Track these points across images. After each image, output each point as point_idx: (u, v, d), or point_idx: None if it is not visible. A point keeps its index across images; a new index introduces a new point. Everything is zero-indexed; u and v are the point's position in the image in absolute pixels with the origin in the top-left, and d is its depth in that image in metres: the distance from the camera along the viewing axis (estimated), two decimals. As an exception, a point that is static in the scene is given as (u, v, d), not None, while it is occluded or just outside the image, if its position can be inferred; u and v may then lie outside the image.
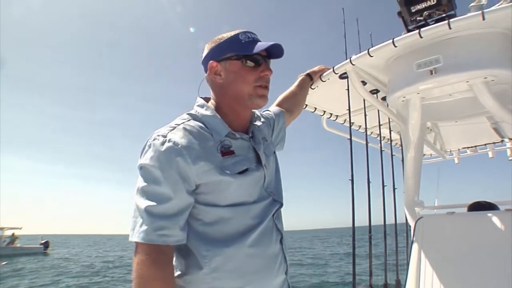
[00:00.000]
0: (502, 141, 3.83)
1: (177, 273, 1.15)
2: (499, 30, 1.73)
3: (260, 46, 1.23)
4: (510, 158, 4.11)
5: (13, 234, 35.58)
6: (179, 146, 1.10)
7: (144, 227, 1.04)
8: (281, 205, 1.33)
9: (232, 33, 1.27)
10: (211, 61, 1.27)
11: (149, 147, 1.13)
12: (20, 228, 37.41)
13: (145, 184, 1.09)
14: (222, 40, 1.27)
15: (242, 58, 1.24)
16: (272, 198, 1.30)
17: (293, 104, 1.92)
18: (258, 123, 1.44)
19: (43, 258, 31.44)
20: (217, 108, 1.29)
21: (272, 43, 1.24)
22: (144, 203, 1.07)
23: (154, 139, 1.13)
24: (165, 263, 1.06)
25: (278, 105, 1.86)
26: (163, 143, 1.10)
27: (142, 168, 1.12)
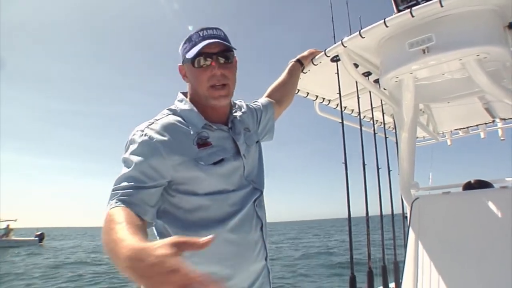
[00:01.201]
0: (493, 121, 3.85)
1: None
2: (490, 7, 1.72)
3: (195, 49, 1.24)
4: (501, 138, 4.14)
5: (8, 226, 35.76)
6: (154, 140, 1.16)
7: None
8: (261, 192, 1.38)
9: (190, 33, 1.31)
10: (179, 64, 1.37)
11: (129, 142, 1.20)
12: (15, 220, 37.77)
13: (126, 163, 1.16)
14: (182, 43, 1.34)
15: (191, 60, 1.26)
16: (253, 186, 1.34)
17: (283, 94, 1.92)
18: (238, 113, 1.47)
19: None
20: (194, 103, 1.34)
21: (206, 42, 1.23)
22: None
23: (133, 134, 1.21)
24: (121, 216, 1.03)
25: (268, 95, 1.87)
26: (140, 137, 1.18)
27: (123, 157, 1.19)
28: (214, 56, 1.26)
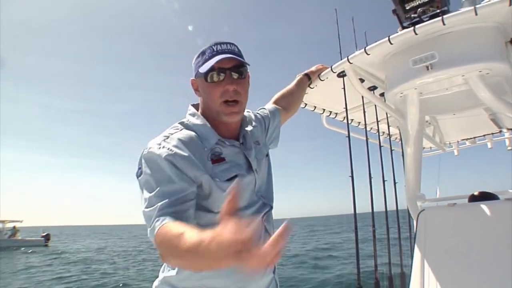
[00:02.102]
0: (500, 131, 3.85)
1: (170, 272, 1.21)
2: (491, 24, 1.76)
3: (209, 63, 1.22)
4: (508, 148, 4.14)
5: (14, 227, 36.14)
6: (173, 152, 1.14)
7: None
8: (271, 208, 1.37)
9: (204, 48, 1.29)
10: (191, 78, 1.35)
11: (145, 156, 1.17)
12: (21, 221, 38.33)
13: (156, 188, 1.11)
14: (196, 56, 1.31)
15: (204, 75, 1.25)
16: (262, 202, 1.34)
17: (289, 102, 1.95)
18: (249, 127, 1.46)
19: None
20: (206, 117, 1.32)
21: (220, 57, 1.22)
22: (151, 202, 1.09)
23: (150, 148, 1.17)
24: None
25: (275, 102, 1.89)
26: (158, 150, 1.15)
27: (142, 177, 1.16)
28: (227, 72, 1.24)
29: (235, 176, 1.23)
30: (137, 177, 1.18)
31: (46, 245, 36.84)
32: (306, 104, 2.65)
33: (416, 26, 1.73)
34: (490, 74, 1.81)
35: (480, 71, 1.78)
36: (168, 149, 1.14)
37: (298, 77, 2.13)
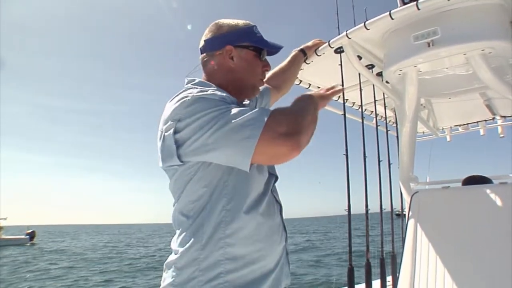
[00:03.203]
0: (493, 118, 3.86)
1: (192, 240, 1.13)
2: (496, 2, 1.72)
3: (274, 44, 1.36)
4: (501, 136, 4.15)
5: None
6: (223, 95, 1.10)
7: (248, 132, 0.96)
8: (277, 178, 1.35)
9: (245, 23, 1.34)
10: (228, 45, 1.29)
11: (194, 96, 1.06)
12: (5, 219, 37.78)
13: (221, 108, 1.02)
14: (238, 27, 1.32)
15: (259, 50, 1.33)
16: (268, 171, 1.30)
17: (281, 80, 1.91)
18: (247, 101, 1.49)
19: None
20: (223, 88, 1.26)
21: (281, 45, 1.37)
22: (235, 115, 0.99)
23: (197, 92, 1.09)
24: None
25: (266, 81, 1.83)
26: (210, 91, 1.11)
27: (205, 109, 1.02)
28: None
29: None
30: (174, 134, 1.06)
31: (31, 243, 36.60)
32: (300, 81, 2.59)
33: (419, 1, 1.67)
34: (492, 54, 1.76)
35: (482, 50, 1.73)
36: (216, 91, 1.12)
37: (293, 53, 2.05)
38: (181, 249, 1.15)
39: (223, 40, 1.30)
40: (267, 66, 1.37)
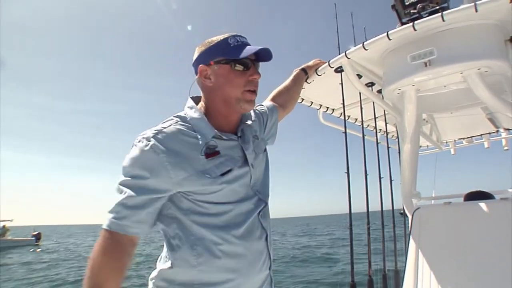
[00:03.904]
0: (497, 131, 3.85)
1: (166, 265, 1.21)
2: (491, 22, 1.74)
3: (248, 50, 1.24)
4: (505, 148, 4.15)
5: (4, 227, 35.94)
6: (160, 154, 1.14)
7: (110, 215, 1.12)
8: (266, 204, 1.36)
9: (222, 37, 1.28)
10: (201, 65, 1.29)
11: (133, 148, 1.17)
12: (11, 220, 38.14)
13: (122, 179, 1.15)
14: (211, 44, 1.28)
15: (231, 62, 1.26)
16: (258, 197, 1.32)
17: (287, 99, 1.94)
18: (249, 122, 1.45)
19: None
20: (206, 110, 1.32)
21: (260, 47, 1.25)
22: (118, 195, 1.14)
23: (139, 141, 1.17)
24: (117, 252, 1.11)
25: (272, 99, 1.87)
26: (145, 146, 1.14)
27: (123, 166, 1.17)
28: (255, 63, 1.30)
29: (229, 171, 1.22)
30: (122, 168, 1.20)
31: (37, 244, 36.73)
32: (302, 100, 2.63)
33: (415, 22, 1.71)
34: (489, 72, 1.79)
35: (479, 69, 1.76)
36: (154, 149, 1.14)
37: (295, 72, 2.11)
38: (158, 262, 1.28)
39: (198, 62, 1.31)
40: (253, 75, 1.28)
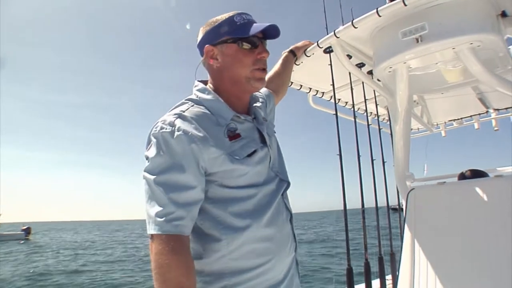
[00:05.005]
0: (487, 112, 3.87)
1: (196, 256, 1.13)
2: None
3: (256, 27, 1.20)
4: (495, 129, 4.16)
5: None
6: (190, 133, 1.07)
7: (159, 219, 1.01)
8: (288, 184, 1.32)
9: (227, 15, 1.24)
10: (206, 45, 1.25)
11: (158, 137, 1.08)
12: (0, 215, 38.10)
13: (164, 174, 1.05)
14: (217, 23, 1.24)
15: (238, 40, 1.22)
16: (279, 177, 1.29)
17: (279, 84, 1.89)
18: (258, 103, 1.42)
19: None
20: (216, 92, 1.26)
21: (267, 24, 1.20)
22: (165, 192, 1.03)
23: (161, 129, 1.08)
24: (184, 250, 1.02)
25: (265, 86, 1.83)
26: (173, 132, 1.07)
27: (154, 159, 1.07)
28: (263, 41, 1.26)
29: (254, 152, 1.19)
30: (150, 161, 1.10)
31: (27, 239, 36.63)
32: (292, 83, 2.58)
33: None
34: (481, 47, 1.76)
35: (471, 43, 1.72)
36: (183, 131, 1.07)
37: (283, 55, 2.06)
38: None
39: (204, 42, 1.27)
40: (262, 53, 1.24)
